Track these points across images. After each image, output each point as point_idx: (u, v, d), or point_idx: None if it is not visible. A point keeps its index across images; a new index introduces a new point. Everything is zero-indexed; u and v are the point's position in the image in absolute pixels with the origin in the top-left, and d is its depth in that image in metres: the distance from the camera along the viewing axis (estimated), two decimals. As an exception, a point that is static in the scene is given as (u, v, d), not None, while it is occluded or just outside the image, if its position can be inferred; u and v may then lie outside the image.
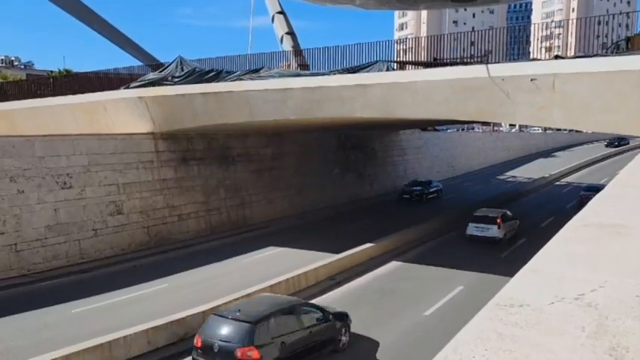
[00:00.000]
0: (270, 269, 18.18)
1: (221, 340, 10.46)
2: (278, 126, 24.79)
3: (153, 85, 23.06)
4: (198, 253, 21.48)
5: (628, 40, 17.49)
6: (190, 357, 11.16)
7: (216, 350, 10.44)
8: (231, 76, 21.79)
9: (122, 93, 23.64)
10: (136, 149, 22.34)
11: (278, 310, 11.25)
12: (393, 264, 19.96)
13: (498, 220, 22.94)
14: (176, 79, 22.62)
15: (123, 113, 23.38)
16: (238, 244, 22.88)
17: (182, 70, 22.90)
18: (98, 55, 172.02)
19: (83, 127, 23.88)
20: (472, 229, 23.23)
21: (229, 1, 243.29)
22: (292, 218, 28.59)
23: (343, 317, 12.86)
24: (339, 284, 17.45)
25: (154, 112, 22.71)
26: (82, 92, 25.21)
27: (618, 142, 68.68)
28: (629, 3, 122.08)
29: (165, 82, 22.90)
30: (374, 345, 12.73)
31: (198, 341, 10.83)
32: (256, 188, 28.17)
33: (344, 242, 21.10)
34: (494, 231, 22.70)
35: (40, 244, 18.64)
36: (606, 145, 69.15)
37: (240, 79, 21.23)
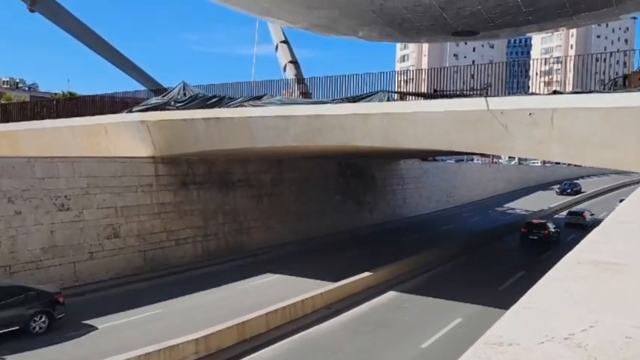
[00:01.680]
0: (266, 296, 17.99)
1: None
2: (279, 152, 24.91)
3: (155, 110, 23.26)
4: (194, 279, 21.30)
5: (625, 77, 17.76)
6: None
7: None
8: (234, 102, 21.99)
9: (124, 117, 23.83)
10: (136, 172, 22.39)
11: None
12: (391, 294, 19.77)
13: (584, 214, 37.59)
14: (179, 104, 22.82)
15: (124, 137, 23.52)
16: (235, 271, 22.70)
17: (185, 95, 23.14)
18: (103, 78, 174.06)
19: (84, 149, 24.00)
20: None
21: (235, 29, 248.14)
22: (291, 245, 28.45)
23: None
24: (335, 313, 17.25)
25: (156, 136, 22.85)
26: (85, 115, 25.42)
27: (571, 189, 58.99)
28: (626, 41, 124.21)
29: (167, 107, 23.10)
30: (369, 377, 12.50)
31: None
32: (255, 214, 28.12)
33: (342, 270, 20.94)
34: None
35: (34, 265, 18.49)
36: (558, 193, 58.29)
37: (243, 106, 21.43)
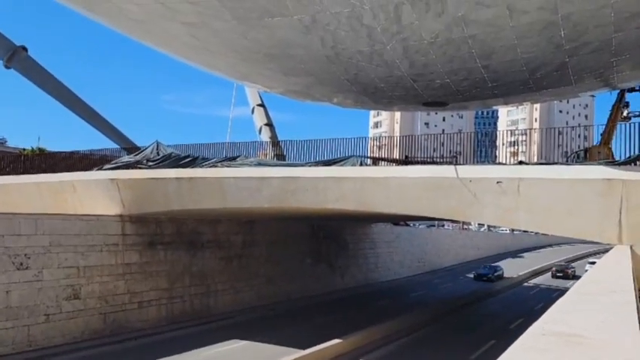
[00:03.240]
0: (231, 365, 17.19)
1: None
2: (251, 213, 24.74)
3: (127, 168, 23.07)
4: (156, 344, 20.29)
5: (586, 150, 18.66)
6: None
7: None
8: (208, 162, 22.04)
9: (94, 174, 23.53)
10: (102, 231, 21.78)
11: None
12: (361, 363, 19.15)
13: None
14: (151, 163, 22.71)
15: (93, 194, 23.11)
16: (200, 336, 21.77)
17: (158, 154, 23.10)
18: (75, 135, 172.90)
19: (50, 206, 23.39)
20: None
21: (213, 91, 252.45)
22: (260, 309, 27.62)
23: None
24: (303, 384, 16.53)
25: (125, 194, 22.51)
26: (53, 171, 24.99)
27: (492, 273, 44.92)
28: (586, 117, 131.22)
29: (139, 166, 22.95)
30: None
31: None
32: (223, 276, 27.42)
33: (311, 337, 20.30)
34: None
35: (-15, 327, 17.38)
36: (474, 279, 44.84)
37: (216, 166, 21.47)
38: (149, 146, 23.96)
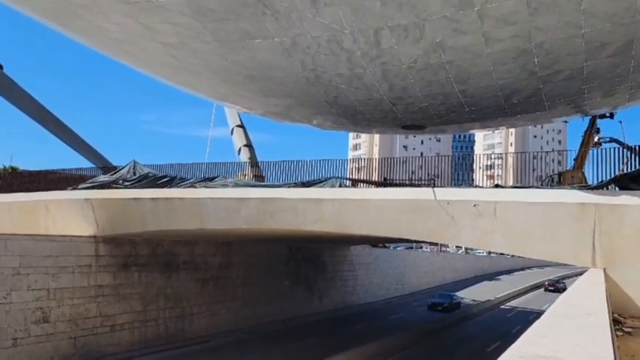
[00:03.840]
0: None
1: None
2: (229, 235, 24.46)
3: (102, 188, 22.67)
4: (127, 370, 19.69)
5: (560, 175, 19.07)
6: None
7: None
8: (185, 182, 21.81)
9: (68, 194, 23.04)
10: (75, 252, 21.24)
11: None
12: (338, 388, 18.86)
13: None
14: (127, 183, 22.37)
15: (66, 214, 22.58)
16: (174, 361, 21.22)
17: (135, 174, 22.78)
18: (50, 155, 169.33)
19: (21, 226, 22.75)
20: None
21: (192, 111, 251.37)
22: (236, 332, 27.11)
23: None
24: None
25: (100, 215, 22.07)
26: (25, 191, 24.39)
27: (448, 302, 40.20)
28: (559, 142, 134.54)
29: (115, 186, 22.59)
30: None
31: None
32: (199, 298, 26.90)
33: (288, 362, 19.96)
34: None
35: (-53, 353, 16.65)
36: (428, 308, 39.89)
37: (194, 187, 21.25)
38: (126, 166, 23.63)
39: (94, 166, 29.44)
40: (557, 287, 54.04)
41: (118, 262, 23.01)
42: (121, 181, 22.64)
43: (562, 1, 12.73)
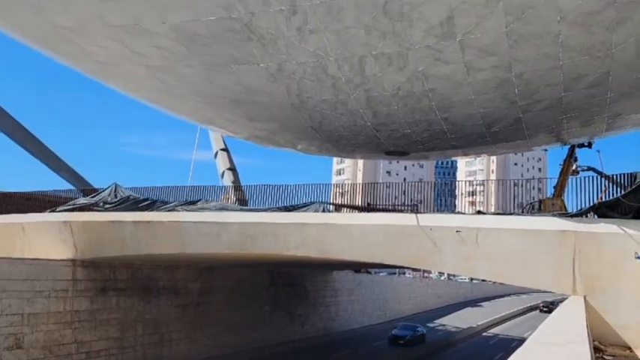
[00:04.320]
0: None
1: None
2: (210, 259, 24.15)
3: (82, 210, 22.31)
4: (102, 399, 19.05)
5: (540, 202, 19.36)
6: None
7: None
8: (167, 206, 21.59)
9: (46, 216, 22.62)
10: (51, 276, 20.71)
11: None
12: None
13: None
14: (108, 206, 22.07)
15: (43, 237, 22.11)
16: (151, 389, 20.62)
17: (116, 196, 22.50)
18: (28, 176, 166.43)
19: (-5, 248, 22.19)
20: None
21: (176, 134, 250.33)
22: (216, 359, 26.55)
23: None
24: None
25: (79, 238, 21.65)
26: (1, 212, 23.88)
27: (412, 335, 35.59)
28: (539, 170, 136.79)
29: (95, 208, 22.26)
30: None
31: None
32: (179, 324, 26.34)
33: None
34: None
35: None
36: (389, 342, 35.44)
37: (176, 210, 21.04)
38: (107, 188, 23.35)
39: (74, 188, 29.01)
40: (551, 309, 55.67)
41: (96, 287, 22.49)
42: (101, 204, 22.33)
43: (541, 34, 13.13)
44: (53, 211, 22.98)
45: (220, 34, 14.53)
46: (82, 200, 23.53)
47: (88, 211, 22.37)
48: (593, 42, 13.33)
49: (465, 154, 28.43)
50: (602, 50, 13.55)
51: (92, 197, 23.46)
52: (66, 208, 22.84)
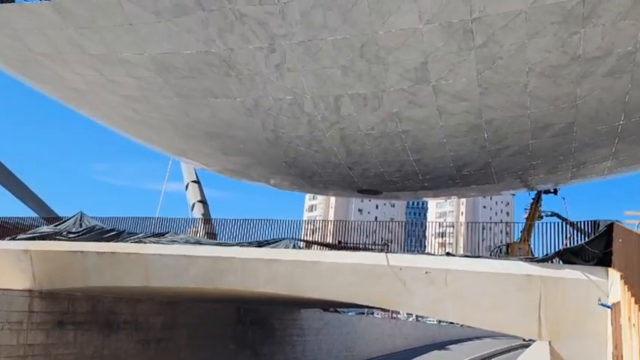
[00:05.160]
0: None
1: None
2: (175, 293, 23.51)
3: (44, 239, 21.58)
4: None
5: (508, 246, 19.71)
6: None
7: None
8: (134, 237, 21.08)
9: (5, 244, 21.76)
10: (5, 307, 19.74)
11: None
12: None
13: None
14: (72, 235, 21.41)
15: (1, 265, 21.21)
16: None
17: (81, 225, 21.88)
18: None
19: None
20: None
21: (147, 163, 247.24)
22: (174, 401, 25.45)
23: None
24: None
25: (39, 267, 20.84)
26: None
27: None
28: (507, 214, 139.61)
29: (59, 237, 21.56)
30: None
31: None
32: (138, 362, 25.28)
33: None
34: None
35: None
36: None
37: (142, 242, 20.56)
38: (72, 217, 22.72)
39: (37, 215, 28.10)
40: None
41: (53, 320, 21.52)
42: (65, 233, 21.65)
43: (509, 83, 13.68)
44: (13, 238, 22.14)
45: (199, 68, 14.64)
46: (45, 229, 22.79)
47: (50, 240, 21.63)
48: (559, 93, 13.95)
49: (436, 196, 28.91)
50: (567, 101, 14.18)
51: (56, 226, 22.75)
52: (27, 236, 22.06)
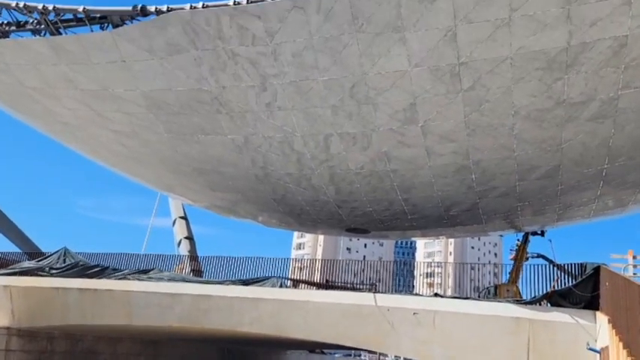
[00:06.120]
0: None
1: None
2: (158, 332, 22.89)
3: (25, 275, 21.07)
4: None
5: (496, 287, 19.60)
6: None
7: None
8: (118, 274, 20.69)
9: (-15, 279, 21.20)
10: (-19, 345, 19.08)
11: None
12: None
13: None
14: (54, 271, 20.95)
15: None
16: None
17: (64, 261, 21.45)
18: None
19: None
20: None
21: (133, 198, 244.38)
22: None
23: None
24: None
25: (18, 304, 20.26)
26: None
27: None
28: (495, 255, 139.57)
29: (41, 273, 21.07)
30: None
31: None
32: (117, 405, 24.32)
33: None
34: None
35: None
36: None
37: (127, 278, 20.15)
38: (55, 253, 22.30)
39: (19, 250, 27.51)
40: None
41: (31, 359, 20.76)
42: (47, 269, 21.18)
43: (496, 125, 13.94)
44: (-7, 273, 21.58)
45: (190, 105, 14.77)
46: (27, 264, 22.31)
47: (32, 275, 21.12)
48: (544, 136, 14.22)
49: (424, 235, 28.84)
50: (552, 145, 14.44)
51: (38, 261, 22.29)
52: (7, 271, 21.53)
